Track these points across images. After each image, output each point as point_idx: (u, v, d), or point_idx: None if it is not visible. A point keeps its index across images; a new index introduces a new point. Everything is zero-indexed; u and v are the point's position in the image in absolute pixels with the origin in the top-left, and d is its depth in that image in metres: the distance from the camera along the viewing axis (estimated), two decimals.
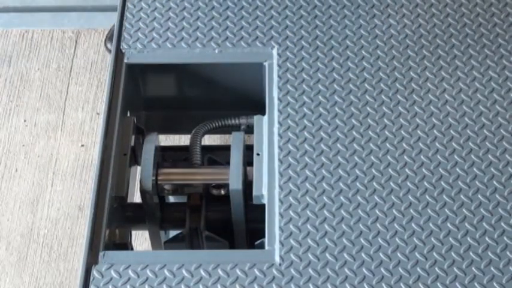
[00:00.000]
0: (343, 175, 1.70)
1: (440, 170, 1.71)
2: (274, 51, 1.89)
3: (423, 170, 1.71)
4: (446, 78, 1.84)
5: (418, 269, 1.59)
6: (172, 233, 2.00)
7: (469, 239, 1.62)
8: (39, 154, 2.79)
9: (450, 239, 1.62)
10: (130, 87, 1.94)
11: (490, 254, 1.60)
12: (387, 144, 1.74)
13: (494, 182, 1.69)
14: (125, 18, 1.96)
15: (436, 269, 1.59)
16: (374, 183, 1.69)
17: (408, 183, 1.69)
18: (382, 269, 1.59)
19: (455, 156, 1.72)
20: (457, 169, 1.71)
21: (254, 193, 1.72)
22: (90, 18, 3.11)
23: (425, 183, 1.69)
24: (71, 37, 3.08)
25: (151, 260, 1.62)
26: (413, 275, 1.58)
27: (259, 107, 1.90)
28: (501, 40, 1.90)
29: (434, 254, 1.60)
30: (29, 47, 3.06)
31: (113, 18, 1.98)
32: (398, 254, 1.60)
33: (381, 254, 1.61)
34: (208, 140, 2.60)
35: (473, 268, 1.58)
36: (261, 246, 1.69)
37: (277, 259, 1.61)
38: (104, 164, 1.75)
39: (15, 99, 2.92)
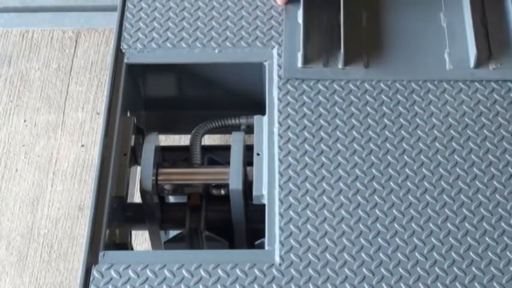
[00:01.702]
0: (343, 175, 1.70)
1: (440, 170, 1.71)
2: (274, 51, 1.89)
3: (423, 170, 1.71)
4: (446, 80, 1.84)
5: (418, 269, 1.59)
6: (172, 233, 2.00)
7: (469, 239, 1.62)
8: (39, 154, 2.79)
9: (450, 239, 1.62)
10: (131, 87, 1.94)
11: (490, 254, 1.60)
12: (387, 144, 1.74)
13: (494, 182, 1.69)
14: (125, 18, 1.96)
15: (436, 269, 1.59)
16: (374, 183, 1.69)
17: (408, 183, 1.69)
18: (382, 269, 1.59)
19: (455, 156, 1.72)
20: (457, 169, 1.71)
21: (254, 193, 1.72)
22: (90, 18, 3.11)
23: (425, 183, 1.69)
24: (71, 37, 3.08)
25: (151, 260, 1.62)
26: (413, 275, 1.58)
27: (259, 107, 1.90)
28: None
29: (434, 254, 1.60)
30: (29, 47, 3.06)
31: (113, 18, 1.98)
32: (399, 254, 1.60)
33: (381, 254, 1.61)
34: (208, 140, 2.60)
35: (473, 268, 1.59)
36: (261, 246, 1.69)
37: (277, 259, 1.61)
38: (104, 164, 1.75)
39: (15, 99, 2.92)
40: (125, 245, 1.79)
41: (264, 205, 1.70)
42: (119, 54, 1.91)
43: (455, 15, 1.91)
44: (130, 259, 1.63)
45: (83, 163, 2.77)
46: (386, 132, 1.76)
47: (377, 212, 1.66)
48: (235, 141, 1.85)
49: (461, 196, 1.67)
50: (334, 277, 1.58)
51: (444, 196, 1.67)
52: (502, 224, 1.64)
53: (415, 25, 1.91)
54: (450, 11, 1.92)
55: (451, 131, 1.76)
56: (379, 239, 1.62)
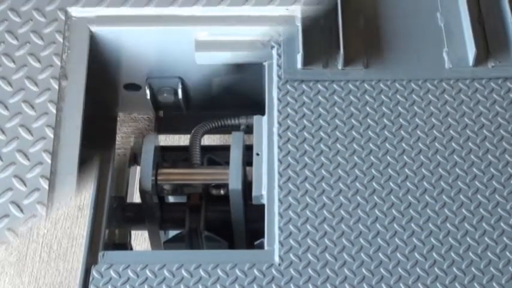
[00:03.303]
0: (343, 175, 1.70)
1: (440, 170, 1.71)
2: (274, 52, 1.89)
3: (423, 170, 1.71)
4: (446, 79, 1.84)
5: (418, 269, 1.59)
6: (172, 233, 2.00)
7: (468, 239, 1.62)
8: None
9: (450, 239, 1.62)
10: None
11: (489, 254, 1.60)
12: (387, 145, 1.74)
13: (494, 182, 1.69)
14: None
15: (436, 269, 1.59)
16: (374, 183, 1.69)
17: (408, 183, 1.69)
18: (382, 269, 1.59)
19: (455, 156, 1.72)
20: (457, 169, 1.71)
21: (253, 193, 1.72)
22: None
23: (425, 183, 1.69)
24: None
25: (150, 260, 1.62)
26: (412, 275, 1.58)
27: (258, 107, 1.90)
28: None
29: (434, 254, 1.60)
30: None
31: None
32: (398, 254, 1.60)
33: (380, 254, 1.61)
34: (208, 140, 2.60)
35: (472, 268, 1.58)
36: (261, 246, 1.69)
37: (276, 259, 1.61)
38: (103, 164, 1.75)
39: None
40: (124, 245, 1.79)
41: (263, 205, 1.70)
42: None
43: (451, 14, 1.91)
44: (130, 259, 1.63)
45: None
46: (386, 132, 1.76)
47: (376, 212, 1.66)
48: (234, 141, 1.85)
49: (461, 196, 1.67)
50: (333, 277, 1.58)
51: (444, 196, 1.67)
52: (502, 224, 1.64)
53: (413, 25, 1.91)
54: (447, 10, 1.92)
55: (451, 131, 1.76)
56: (379, 239, 1.62)
